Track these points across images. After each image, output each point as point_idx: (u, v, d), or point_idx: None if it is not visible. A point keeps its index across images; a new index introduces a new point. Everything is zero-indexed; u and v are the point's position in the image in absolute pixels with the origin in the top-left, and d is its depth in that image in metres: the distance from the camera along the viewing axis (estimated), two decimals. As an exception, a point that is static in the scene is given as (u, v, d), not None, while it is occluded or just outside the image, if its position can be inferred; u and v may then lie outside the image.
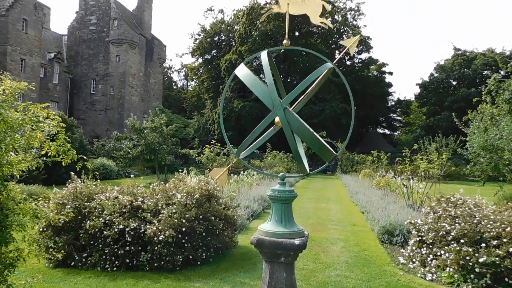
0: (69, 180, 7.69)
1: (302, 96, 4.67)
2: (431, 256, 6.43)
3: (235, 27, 59.01)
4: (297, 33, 52.72)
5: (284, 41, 4.60)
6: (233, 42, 57.98)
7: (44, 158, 5.34)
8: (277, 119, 4.03)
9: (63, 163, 5.28)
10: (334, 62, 4.33)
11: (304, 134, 3.88)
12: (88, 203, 7.04)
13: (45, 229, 6.97)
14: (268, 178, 20.75)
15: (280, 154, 32.37)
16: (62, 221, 6.48)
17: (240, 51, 50.00)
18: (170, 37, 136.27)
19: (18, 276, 5.58)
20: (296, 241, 3.75)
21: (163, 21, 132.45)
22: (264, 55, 4.30)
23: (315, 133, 3.91)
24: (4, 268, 4.83)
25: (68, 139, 5.28)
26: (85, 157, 5.49)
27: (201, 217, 6.72)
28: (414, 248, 6.98)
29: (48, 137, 5.15)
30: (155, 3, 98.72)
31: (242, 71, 4.29)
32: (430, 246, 6.58)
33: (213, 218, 6.90)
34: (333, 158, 4.04)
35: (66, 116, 25.58)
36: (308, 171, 4.32)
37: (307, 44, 49.27)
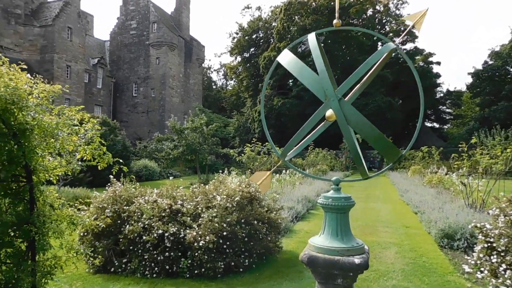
0: (109, 184, 7.65)
1: (359, 84, 4.05)
2: (504, 266, 5.69)
3: (273, 24, 58.60)
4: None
5: (335, 21, 3.98)
6: (271, 39, 57.60)
7: (79, 162, 5.24)
8: (328, 112, 3.42)
9: (99, 167, 5.14)
10: (399, 40, 3.72)
11: (365, 130, 3.30)
12: (127, 207, 6.95)
13: (85, 234, 6.96)
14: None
15: (323, 151, 31.58)
16: (101, 226, 6.39)
17: (278, 48, 49.51)
18: (208, 38, 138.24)
19: (57, 283, 5.52)
20: (356, 260, 3.11)
21: (201, 21, 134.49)
22: (312, 37, 3.73)
23: (377, 129, 3.34)
24: (42, 276, 4.74)
25: (103, 142, 5.13)
26: (121, 161, 5.32)
27: (242, 221, 6.39)
28: (481, 255, 6.24)
29: (84, 141, 5.02)
30: (192, 4, 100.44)
31: (286, 58, 3.74)
32: (502, 254, 5.84)
33: (255, 222, 6.55)
34: (398, 158, 3.47)
35: (109, 119, 26.32)
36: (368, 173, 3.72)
37: (347, 37, 47.90)
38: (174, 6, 56.36)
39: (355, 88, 4.07)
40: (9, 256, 4.83)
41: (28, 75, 4.61)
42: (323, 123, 4.03)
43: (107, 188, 7.55)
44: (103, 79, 47.53)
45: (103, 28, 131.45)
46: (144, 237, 6.37)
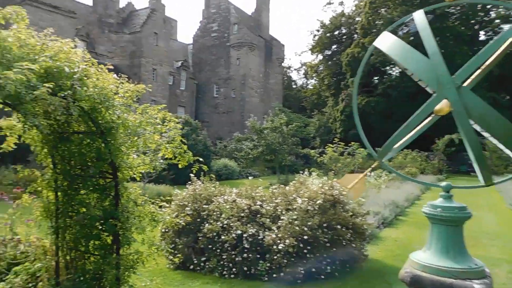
0: (189, 182, 7.91)
1: (479, 70, 3.41)
2: None
3: (357, 19, 56.74)
4: (430, 16, 48.07)
5: (448, -6, 3.39)
6: (355, 35, 55.82)
7: (161, 161, 5.46)
8: (438, 105, 2.95)
9: (179, 165, 5.29)
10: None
11: (493, 124, 2.80)
12: (207, 206, 7.10)
13: (166, 230, 7.26)
14: (398, 179, 19.00)
15: (413, 153, 29.70)
16: (181, 224, 6.60)
17: (362, 44, 47.80)
18: (288, 36, 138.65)
19: (139, 277, 5.82)
20: (476, 285, 2.62)
21: (281, 20, 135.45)
22: (419, 16, 3.24)
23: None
24: (125, 269, 5.00)
25: (184, 140, 5.27)
26: (201, 159, 5.42)
27: (325, 225, 6.14)
28: None
29: (165, 139, 5.21)
30: (272, 4, 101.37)
31: (386, 41, 3.32)
32: None
33: (339, 226, 6.25)
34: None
35: (191, 119, 27.62)
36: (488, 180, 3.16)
37: (442, 28, 44.49)
38: (254, 7, 57.41)
39: (474, 74, 3.46)
40: (97, 248, 5.19)
41: (115, 75, 4.90)
42: (429, 118, 3.56)
43: (187, 186, 7.81)
44: (186, 81, 50.14)
45: (186, 32, 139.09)
46: (222, 237, 6.45)
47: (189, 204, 7.26)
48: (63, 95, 3.56)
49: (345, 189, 5.98)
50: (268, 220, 6.33)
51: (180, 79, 49.13)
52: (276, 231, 6.06)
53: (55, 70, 3.85)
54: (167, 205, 7.01)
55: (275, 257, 5.86)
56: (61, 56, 4.07)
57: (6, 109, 4.51)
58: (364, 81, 46.05)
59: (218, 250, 6.54)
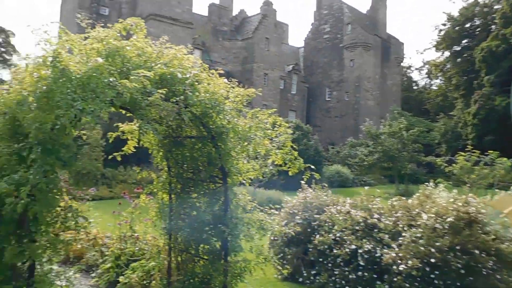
0: (299, 189, 7.77)
1: None
2: None
3: (495, 7, 50.81)
4: None
5: None
6: (492, 26, 50.00)
7: (271, 167, 5.42)
8: None
9: (289, 172, 5.17)
10: None
11: None
12: (318, 216, 6.88)
13: (275, 238, 7.21)
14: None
15: None
16: (291, 234, 6.48)
17: (503, 35, 42.48)
18: (408, 34, 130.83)
19: (247, 286, 5.84)
20: None
21: (400, 17, 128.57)
22: None
23: None
24: (232, 277, 5.03)
25: (294, 146, 5.14)
26: (312, 166, 5.23)
27: (458, 248, 5.37)
28: None
29: (275, 145, 5.15)
30: (389, 0, 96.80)
31: None
32: None
33: (477, 251, 5.39)
34: None
35: (302, 124, 27.65)
36: None
37: None
38: (370, 4, 55.38)
39: None
40: (206, 252, 5.34)
41: (225, 80, 4.99)
42: None
43: (297, 193, 7.69)
44: (297, 84, 50.56)
45: (298, 35, 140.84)
46: (335, 251, 6.17)
47: (300, 213, 7.12)
48: (175, 100, 3.70)
49: (488, 208, 5.13)
50: (387, 236, 5.84)
51: (291, 83, 49.73)
52: (397, 249, 5.54)
53: (168, 76, 4.04)
54: (276, 213, 6.98)
55: (395, 279, 5.34)
56: (174, 63, 4.27)
57: (128, 115, 4.90)
58: (504, 79, 40.88)
59: (330, 265, 6.27)
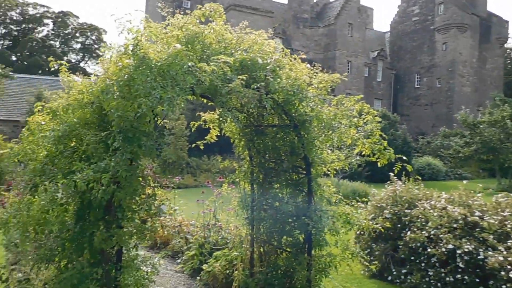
0: (388, 182, 7.30)
1: None
2: None
3: None
4: None
5: None
6: None
7: (357, 157, 5.05)
8: None
9: (378, 163, 4.78)
10: None
11: None
12: (409, 211, 6.41)
13: (361, 233, 6.84)
14: None
15: None
16: (378, 230, 6.06)
17: None
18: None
19: (331, 281, 5.56)
20: None
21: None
22: None
23: None
24: (316, 272, 4.81)
25: (384, 135, 4.74)
26: (404, 157, 4.78)
27: None
28: None
29: (362, 134, 4.78)
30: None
31: None
32: None
33: None
34: None
35: (389, 112, 26.29)
36: None
37: None
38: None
39: None
40: (289, 245, 5.17)
41: (308, 65, 4.73)
42: None
43: (386, 186, 7.23)
44: (382, 71, 48.19)
45: (383, 19, 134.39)
46: (429, 249, 5.69)
47: (388, 207, 6.69)
48: (256, 87, 3.55)
49: None
50: (491, 237, 5.19)
51: (376, 70, 47.53)
52: (505, 252, 4.89)
53: (249, 62, 3.90)
54: (363, 206, 6.62)
55: (504, 286, 4.71)
56: (255, 48, 4.12)
57: (210, 104, 4.87)
58: None
59: (423, 264, 5.81)
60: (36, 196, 3.12)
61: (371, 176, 19.65)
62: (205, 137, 5.97)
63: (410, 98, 48.75)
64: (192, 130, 5.84)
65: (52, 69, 34.24)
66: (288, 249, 5.13)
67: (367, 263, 6.09)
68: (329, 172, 4.99)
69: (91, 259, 3.27)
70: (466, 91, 46.00)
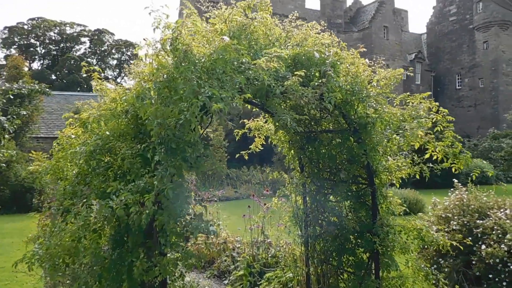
0: (452, 189, 6.48)
1: None
2: None
3: None
4: None
5: None
6: None
7: (430, 164, 4.32)
8: None
9: (453, 169, 4.04)
10: None
11: None
12: (481, 221, 5.57)
13: (425, 247, 6.05)
14: None
15: None
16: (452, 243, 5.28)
17: None
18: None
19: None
20: None
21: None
22: None
23: None
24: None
25: (458, 137, 4.01)
26: (484, 161, 4.04)
27: None
28: None
29: (432, 136, 4.08)
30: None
31: None
32: None
33: None
34: None
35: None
36: None
37: None
38: (506, -26, 48.14)
39: None
40: (351, 265, 4.51)
41: (367, 60, 4.10)
42: None
43: (449, 194, 6.42)
44: (421, 74, 46.35)
45: (418, 21, 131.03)
46: (511, 266, 4.83)
47: (455, 218, 5.88)
48: (316, 84, 2.96)
49: None
50: None
51: (415, 72, 45.78)
52: None
53: (303, 57, 3.33)
54: (425, 217, 5.90)
55: None
56: (308, 42, 3.55)
57: (253, 110, 4.32)
58: None
59: (505, 283, 4.98)
60: (67, 223, 2.64)
61: (417, 183, 18.43)
62: (250, 146, 5.47)
63: (452, 100, 46.52)
64: (237, 139, 5.34)
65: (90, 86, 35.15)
66: (349, 269, 4.47)
67: (442, 283, 5.32)
68: (394, 182, 4.30)
69: (130, 291, 2.76)
70: (512, 90, 43.42)
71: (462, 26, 46.20)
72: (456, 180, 6.44)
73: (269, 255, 5.98)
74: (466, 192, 6.28)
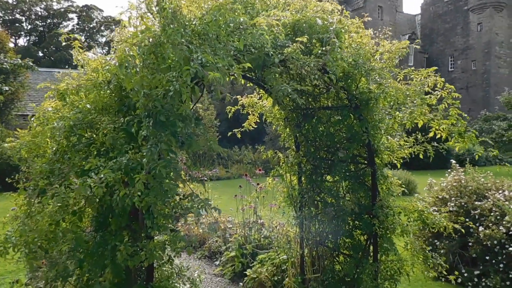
0: (449, 170, 6.34)
1: None
2: None
3: None
4: None
5: None
6: None
7: (434, 143, 4.11)
8: None
9: (457, 148, 3.83)
10: None
11: None
12: (479, 203, 5.44)
13: (421, 228, 5.93)
14: None
15: None
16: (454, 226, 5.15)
17: None
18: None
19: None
20: None
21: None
22: None
23: None
24: (384, 279, 3.98)
25: (464, 115, 3.79)
26: (490, 141, 3.84)
27: None
28: None
29: (436, 113, 3.85)
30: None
31: None
32: None
33: None
34: None
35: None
36: None
37: None
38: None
39: None
40: (347, 247, 4.34)
41: (371, 30, 3.83)
42: None
43: (446, 174, 6.29)
44: (414, 55, 46.00)
45: (413, 2, 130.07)
46: (510, 248, 4.73)
47: (452, 199, 5.76)
48: (319, 52, 2.69)
49: None
50: None
51: (408, 54, 45.49)
52: None
53: (304, 25, 3.04)
54: (421, 198, 5.77)
55: None
56: (309, 8, 3.26)
57: (249, 85, 4.05)
58: None
59: (501, 265, 4.90)
60: (44, 204, 2.37)
61: (407, 164, 18.40)
62: (243, 124, 5.22)
63: (446, 82, 46.47)
64: (229, 117, 5.08)
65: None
66: (345, 252, 4.29)
67: (431, 261, 5.21)
68: (396, 162, 4.09)
69: (114, 278, 2.53)
70: (504, 73, 43.39)
71: (457, 7, 45.71)
72: (454, 161, 6.30)
73: (262, 236, 5.80)
74: (463, 173, 6.14)
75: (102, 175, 2.13)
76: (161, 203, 2.36)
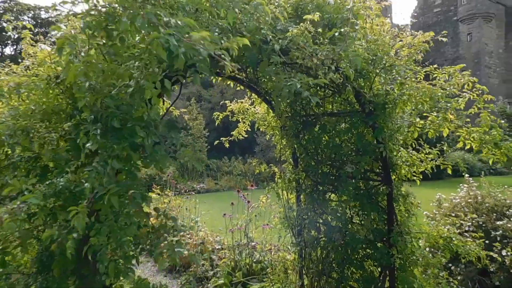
0: (460, 184, 5.75)
1: None
2: None
3: None
4: None
5: None
6: None
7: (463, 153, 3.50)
8: None
9: (490, 161, 3.20)
10: None
11: None
12: (500, 222, 4.84)
13: (432, 249, 5.31)
14: None
15: None
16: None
17: None
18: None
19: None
20: None
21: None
22: None
23: None
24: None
25: (502, 123, 3.18)
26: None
27: None
28: None
29: (464, 120, 3.23)
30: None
31: None
32: None
33: None
34: None
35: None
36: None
37: None
38: (490, -33, 48.08)
39: None
40: (357, 280, 3.67)
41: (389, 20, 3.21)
42: None
43: (458, 190, 5.68)
44: (405, 65, 46.14)
45: (403, 12, 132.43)
46: (541, 278, 4.10)
47: (467, 217, 5.15)
48: (332, 35, 2.04)
49: None
50: None
51: (399, 64, 45.55)
52: None
53: (310, 5, 2.39)
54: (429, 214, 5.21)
55: None
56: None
57: (238, 88, 3.43)
58: None
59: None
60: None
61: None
62: (232, 132, 4.59)
63: (436, 92, 46.61)
64: (216, 124, 4.42)
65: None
66: (355, 285, 3.61)
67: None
68: (415, 178, 3.45)
69: None
70: (494, 82, 43.60)
71: (447, 17, 46.09)
72: (467, 175, 5.69)
73: (254, 260, 5.09)
74: (474, 188, 5.57)
75: (19, 202, 1.44)
76: (115, 244, 1.66)
